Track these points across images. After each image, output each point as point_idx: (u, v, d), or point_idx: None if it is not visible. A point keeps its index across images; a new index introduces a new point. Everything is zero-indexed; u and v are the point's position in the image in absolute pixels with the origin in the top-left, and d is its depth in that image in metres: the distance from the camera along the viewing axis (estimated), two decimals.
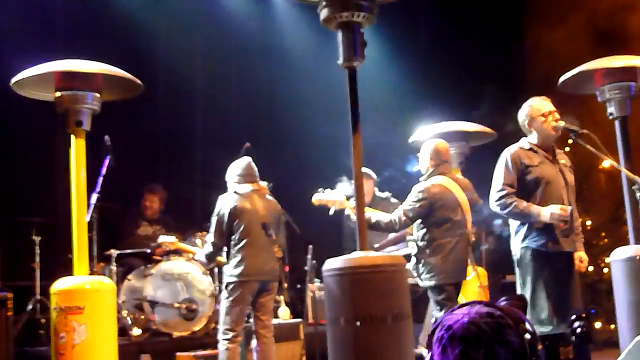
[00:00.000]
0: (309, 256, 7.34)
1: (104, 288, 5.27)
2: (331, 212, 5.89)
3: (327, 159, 9.00)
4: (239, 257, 5.87)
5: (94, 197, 6.54)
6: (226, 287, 5.88)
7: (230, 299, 5.82)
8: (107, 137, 6.82)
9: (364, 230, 4.18)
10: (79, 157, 5.38)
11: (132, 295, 7.32)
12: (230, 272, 5.88)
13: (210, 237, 6.02)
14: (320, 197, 5.89)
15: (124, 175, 7.69)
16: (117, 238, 8.00)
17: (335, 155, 7.35)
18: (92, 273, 6.27)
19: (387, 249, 6.84)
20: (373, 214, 5.81)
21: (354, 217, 5.70)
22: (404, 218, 5.66)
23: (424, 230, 5.66)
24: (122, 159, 7.07)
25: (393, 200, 7.77)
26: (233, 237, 5.93)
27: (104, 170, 6.58)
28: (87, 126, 5.41)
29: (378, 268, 3.94)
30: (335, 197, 5.86)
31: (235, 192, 6.05)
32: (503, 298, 2.03)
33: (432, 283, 5.59)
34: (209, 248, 6.03)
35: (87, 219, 5.68)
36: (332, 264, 4.07)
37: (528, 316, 4.89)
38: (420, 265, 5.66)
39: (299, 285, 8.60)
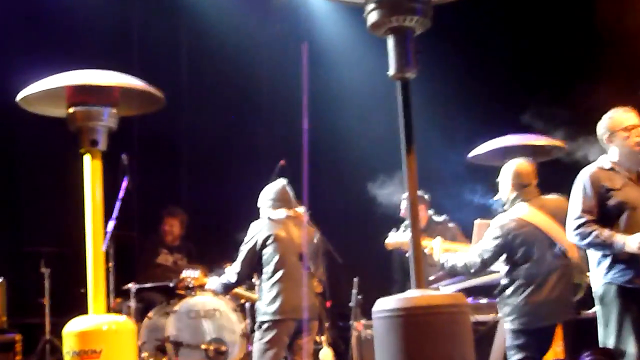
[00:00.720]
0: (354, 290, 7.32)
1: (123, 329, 5.27)
2: (409, 254, 5.91)
3: (373, 178, 8.97)
4: (273, 293, 5.86)
5: (111, 224, 6.61)
6: (259, 326, 5.87)
7: (264, 340, 5.81)
8: (124, 156, 6.88)
9: (421, 266, 4.11)
10: (94, 180, 5.40)
11: (153, 335, 7.35)
12: (264, 309, 5.87)
13: (236, 266, 6.03)
14: (393, 239, 6.00)
15: (142, 199, 7.80)
16: (135, 270, 8.06)
17: (383, 174, 7.32)
18: (108, 311, 6.30)
19: (444, 282, 6.78)
20: (448, 257, 5.80)
21: (436, 257, 5.80)
22: (478, 260, 5.65)
23: (507, 268, 5.69)
24: (140, 181, 7.15)
25: (450, 224, 7.74)
26: (266, 269, 5.92)
27: (122, 194, 6.63)
28: (102, 146, 5.42)
29: (437, 309, 3.85)
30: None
31: (269, 219, 6.05)
32: (587, 353, 1.97)
33: (511, 327, 5.60)
34: (231, 278, 6.04)
35: (104, 248, 5.72)
36: (383, 304, 4.00)
37: None
38: (502, 305, 5.68)
39: (342, 324, 8.56)
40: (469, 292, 6.66)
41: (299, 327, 5.92)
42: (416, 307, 3.89)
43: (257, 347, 5.85)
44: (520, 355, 5.55)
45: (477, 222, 6.33)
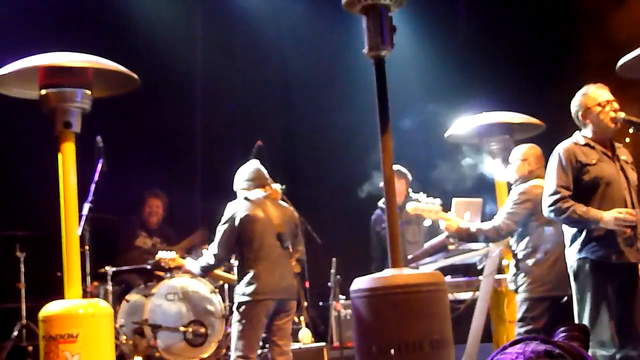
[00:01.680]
0: (333, 270, 7.35)
1: (100, 312, 5.30)
2: (426, 223, 6.02)
3: (352, 157, 9.00)
4: (251, 273, 5.87)
5: (86, 207, 6.61)
6: (237, 308, 5.89)
7: (243, 321, 5.82)
8: (99, 138, 6.87)
9: (397, 244, 4.16)
10: (68, 163, 5.41)
11: (132, 318, 7.33)
12: (242, 290, 5.88)
13: (213, 247, 6.03)
14: (417, 205, 6.01)
15: (117, 181, 7.76)
16: (113, 252, 8.05)
17: (362, 154, 7.34)
18: (85, 294, 6.31)
19: (422, 260, 6.81)
20: (470, 223, 5.97)
21: (446, 229, 5.94)
22: (508, 222, 5.82)
23: (527, 237, 5.80)
24: (115, 163, 7.13)
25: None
26: (244, 250, 5.94)
27: (96, 176, 6.62)
28: (76, 127, 5.43)
29: (414, 288, 3.92)
30: (432, 206, 6.02)
31: (246, 199, 6.06)
32: (561, 329, 1.98)
33: (532, 295, 5.70)
34: (209, 260, 6.04)
35: (79, 232, 5.72)
36: (360, 283, 4.05)
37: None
38: (522, 275, 5.78)
39: (321, 304, 8.60)
40: (448, 270, 6.71)
41: (277, 307, 5.92)
42: (393, 286, 3.95)
43: (235, 328, 5.86)
44: (530, 327, 5.66)
45: (455, 200, 6.36)
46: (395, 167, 7.43)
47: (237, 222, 5.91)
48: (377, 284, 3.97)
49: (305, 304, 6.40)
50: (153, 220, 8.36)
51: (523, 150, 6.11)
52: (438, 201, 6.12)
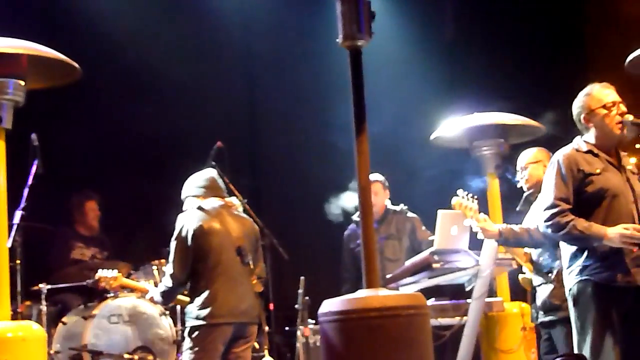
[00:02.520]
0: (301, 291, 7.32)
1: (32, 336, 5.27)
2: (466, 222, 5.99)
3: (326, 163, 9.01)
4: (206, 294, 5.82)
5: (18, 215, 6.54)
6: (190, 333, 5.84)
7: (196, 349, 5.77)
8: (34, 136, 6.81)
9: (373, 262, 4.13)
10: None
11: (69, 343, 7.28)
12: (196, 313, 5.83)
13: (169, 267, 5.98)
14: (460, 200, 6.00)
15: (55, 186, 7.71)
16: (48, 268, 7.98)
17: (337, 160, 7.36)
18: (15, 315, 6.25)
19: (403, 281, 6.82)
20: (511, 226, 5.95)
21: (482, 231, 5.91)
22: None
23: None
24: (53, 165, 7.07)
25: (410, 214, 7.79)
26: (198, 266, 5.89)
27: (30, 180, 6.57)
28: (7, 123, 5.41)
29: (392, 311, 3.87)
30: (473, 205, 6.01)
31: (200, 209, 6.03)
32: (558, 356, 1.99)
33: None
34: (166, 282, 5.99)
35: (9, 244, 5.67)
36: (330, 305, 4.02)
37: None
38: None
39: (287, 329, 8.57)
40: (432, 292, 6.72)
41: (236, 332, 5.88)
42: (368, 308, 3.91)
43: (187, 356, 5.82)
44: None
45: (442, 212, 6.38)
46: (377, 176, 7.51)
47: (190, 235, 5.86)
48: (349, 307, 3.94)
49: (267, 328, 6.35)
50: (94, 226, 8.35)
51: (534, 153, 6.21)
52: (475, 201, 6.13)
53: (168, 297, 6.16)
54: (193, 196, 6.11)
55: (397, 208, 7.79)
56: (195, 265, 5.91)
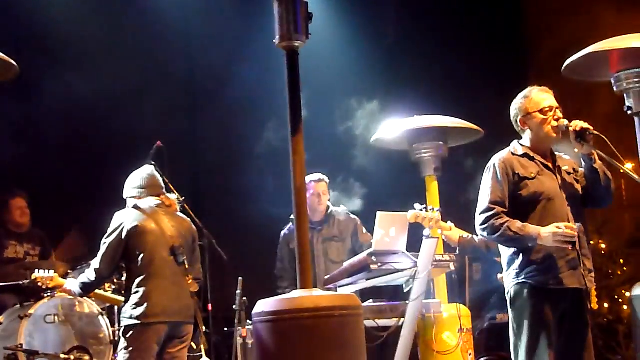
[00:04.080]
0: (239, 291, 7.28)
1: None
2: (425, 232, 6.03)
3: (265, 164, 8.99)
4: (140, 293, 5.81)
5: None
6: (124, 333, 5.83)
7: (130, 349, 5.75)
8: None
9: (307, 262, 4.16)
10: None
11: (4, 343, 7.17)
12: (129, 312, 5.81)
13: (95, 262, 5.96)
14: (417, 213, 6.09)
15: None
16: None
17: (275, 160, 7.34)
18: None
19: (341, 282, 6.82)
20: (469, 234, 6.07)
21: (447, 239, 6.07)
22: None
23: None
24: None
25: (352, 216, 7.80)
26: (132, 266, 5.89)
27: None
28: None
29: (325, 311, 3.90)
30: (433, 215, 6.12)
31: (135, 207, 6.02)
32: (483, 356, 2.00)
33: None
34: (89, 275, 5.98)
35: None
36: (263, 305, 4.03)
37: None
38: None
39: (226, 329, 8.55)
40: (370, 293, 6.74)
41: (170, 332, 5.88)
42: (301, 309, 3.93)
43: (122, 356, 5.79)
44: None
45: (380, 214, 6.41)
46: (322, 176, 7.48)
47: (124, 233, 5.86)
48: (282, 307, 3.95)
49: (203, 328, 6.31)
50: (23, 223, 8.27)
51: None
52: (437, 210, 6.16)
53: (87, 290, 6.16)
54: (132, 197, 6.12)
55: (340, 209, 7.79)
56: (128, 264, 5.91)
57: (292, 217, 7.63)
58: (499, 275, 6.42)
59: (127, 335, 5.79)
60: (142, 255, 5.85)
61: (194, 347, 6.85)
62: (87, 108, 9.41)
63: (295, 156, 4.14)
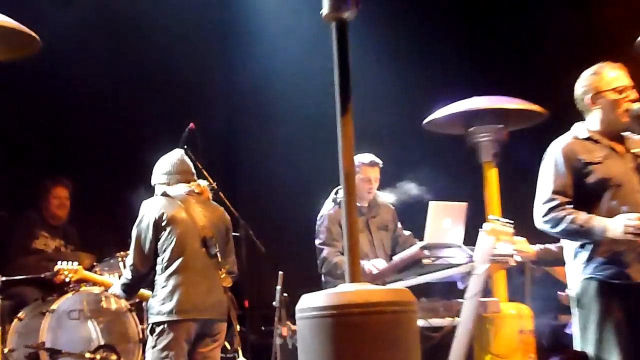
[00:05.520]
0: (279, 287, 7.29)
1: None
2: (498, 246, 6.08)
3: (309, 147, 8.99)
4: (169, 287, 5.84)
5: None
6: (151, 330, 5.86)
7: (159, 347, 5.78)
8: None
9: (356, 253, 4.13)
10: None
11: (25, 340, 7.26)
12: (157, 308, 5.84)
13: (129, 258, 6.02)
14: (494, 226, 6.08)
15: (11, 167, 7.67)
16: (3, 257, 7.95)
17: (321, 144, 7.33)
18: None
19: (389, 278, 6.80)
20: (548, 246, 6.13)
21: (520, 255, 6.12)
22: None
23: None
24: (9, 143, 7.05)
25: (390, 204, 7.71)
26: (161, 258, 5.92)
27: None
28: None
29: (375, 308, 3.86)
30: (509, 229, 6.09)
31: (164, 195, 6.03)
32: (556, 358, 1.99)
33: None
34: (127, 275, 6.03)
35: None
36: (308, 301, 4.01)
37: None
38: None
39: (264, 328, 8.57)
40: (422, 291, 6.71)
41: (201, 330, 5.90)
42: (349, 304, 3.88)
43: (150, 355, 5.82)
44: None
45: (433, 204, 6.39)
46: (371, 157, 7.38)
47: (152, 223, 5.88)
48: (330, 302, 3.91)
49: (238, 327, 6.30)
50: (60, 215, 8.32)
51: None
52: (510, 223, 6.18)
53: (130, 290, 6.17)
54: (160, 184, 6.12)
55: (383, 196, 7.68)
56: (157, 256, 5.91)
57: (337, 196, 7.63)
58: (561, 294, 6.41)
59: (155, 333, 5.83)
60: (171, 247, 5.88)
61: (228, 347, 6.84)
62: (122, 88, 9.49)
63: (344, 139, 4.11)
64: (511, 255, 6.40)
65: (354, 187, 4.19)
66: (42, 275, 7.51)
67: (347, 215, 4.13)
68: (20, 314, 7.40)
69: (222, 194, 6.82)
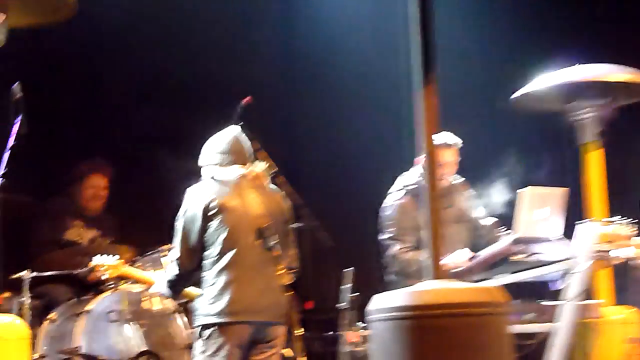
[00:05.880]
0: (348, 285, 7.29)
1: (12, 334, 5.31)
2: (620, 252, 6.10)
3: (383, 126, 8.97)
4: (218, 285, 5.87)
5: None
6: (200, 334, 5.89)
7: (208, 353, 5.81)
8: (16, 86, 6.83)
9: (439, 246, 4.11)
10: None
11: (57, 345, 7.31)
12: (205, 309, 5.87)
13: (174, 252, 6.05)
14: (617, 230, 6.09)
15: (43, 149, 7.73)
16: (32, 250, 8.04)
17: (393, 125, 7.31)
18: None
19: (474, 277, 6.78)
20: None
21: None
22: None
23: None
24: (40, 123, 7.09)
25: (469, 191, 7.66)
26: (209, 252, 5.94)
27: (11, 141, 6.59)
28: None
29: (462, 309, 3.85)
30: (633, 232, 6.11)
31: (213, 180, 6.02)
32: None
33: None
34: (173, 271, 6.06)
35: None
36: (382, 301, 4.01)
37: None
38: None
39: (329, 333, 8.57)
40: (512, 292, 6.65)
41: (254, 334, 5.91)
42: (431, 305, 3.89)
43: None
44: None
45: (530, 190, 6.36)
46: (448, 136, 7.36)
47: (199, 213, 5.88)
48: (408, 302, 3.91)
49: (300, 331, 6.25)
50: (95, 205, 8.37)
51: None
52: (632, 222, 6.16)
53: (176, 288, 6.22)
54: (210, 165, 6.11)
55: (459, 182, 7.60)
56: (206, 249, 5.91)
57: (405, 184, 7.59)
58: None
59: (205, 336, 5.85)
60: (221, 239, 5.89)
61: (289, 354, 6.80)
62: (166, 60, 9.55)
63: (426, 112, 4.10)
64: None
65: (436, 168, 4.18)
66: (76, 272, 7.56)
67: (430, 200, 4.13)
68: (51, 315, 7.46)
69: (282, 179, 6.79)
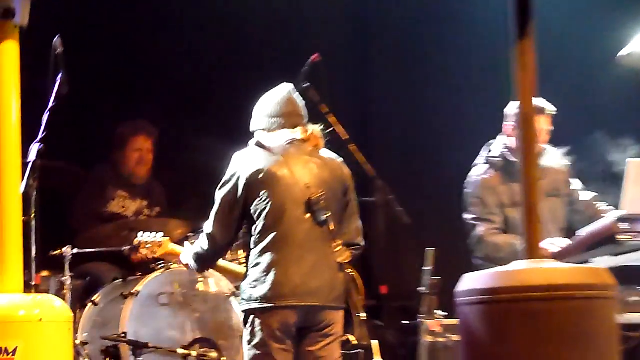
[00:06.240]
0: (428, 268, 7.29)
1: (53, 317, 5.35)
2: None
3: (468, 85, 8.97)
4: (262, 266, 5.80)
5: (34, 150, 6.64)
6: (244, 321, 5.88)
7: (253, 342, 5.78)
8: (58, 40, 6.91)
9: (536, 222, 4.13)
10: (7, 72, 5.47)
11: (101, 330, 7.39)
12: (248, 292, 5.82)
13: (208, 225, 6.01)
14: None
15: (86, 111, 7.81)
16: (74, 224, 8.16)
17: (485, 81, 7.31)
18: (28, 288, 6.37)
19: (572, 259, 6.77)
20: None
21: None
22: None
23: None
24: (83, 82, 7.17)
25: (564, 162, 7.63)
26: (254, 227, 5.89)
27: (52, 101, 6.66)
28: (22, 18, 5.49)
29: (562, 292, 3.86)
30: None
31: (260, 146, 6.03)
32: None
33: None
34: (203, 244, 6.04)
35: (21, 189, 5.76)
36: (472, 282, 4.04)
37: None
38: None
39: (407, 322, 8.56)
40: (617, 276, 6.65)
41: (303, 320, 5.82)
42: (527, 287, 3.90)
43: (246, 354, 5.85)
44: None
45: (634, 161, 6.35)
46: (539, 102, 7.34)
47: (241, 183, 5.85)
48: (501, 283, 3.94)
49: (362, 315, 6.07)
50: (140, 171, 8.44)
51: None
52: None
53: (203, 264, 6.24)
54: (260, 130, 6.11)
55: (553, 152, 7.53)
56: (249, 226, 5.92)
57: (488, 157, 7.59)
58: None
59: (249, 323, 5.81)
60: (265, 213, 5.83)
61: (352, 340, 6.62)
62: (210, 15, 9.60)
63: (522, 71, 4.11)
64: None
65: (534, 134, 4.19)
66: (122, 249, 7.60)
67: (526, 170, 4.14)
68: (95, 298, 7.53)
69: (353, 147, 6.82)
